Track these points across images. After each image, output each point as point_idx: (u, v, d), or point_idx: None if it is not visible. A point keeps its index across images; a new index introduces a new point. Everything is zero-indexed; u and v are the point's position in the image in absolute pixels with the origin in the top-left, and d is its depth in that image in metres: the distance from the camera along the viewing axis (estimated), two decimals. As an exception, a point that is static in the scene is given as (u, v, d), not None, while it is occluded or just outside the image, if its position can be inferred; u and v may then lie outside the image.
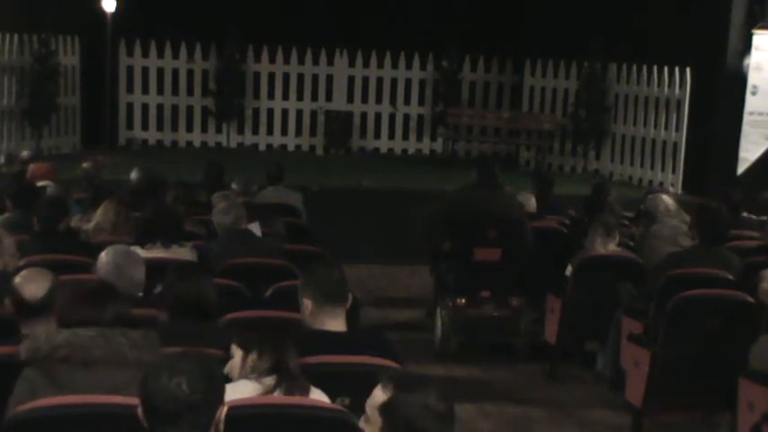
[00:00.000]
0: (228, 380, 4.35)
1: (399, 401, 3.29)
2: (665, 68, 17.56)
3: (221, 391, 3.39)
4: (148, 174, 10.46)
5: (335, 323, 4.95)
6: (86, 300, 4.19)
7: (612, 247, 8.48)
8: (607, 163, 18.96)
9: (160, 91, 20.13)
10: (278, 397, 4.20)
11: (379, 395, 3.35)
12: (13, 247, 6.49)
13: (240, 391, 4.19)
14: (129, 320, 4.22)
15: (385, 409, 3.30)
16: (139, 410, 3.35)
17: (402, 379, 3.40)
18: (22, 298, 4.85)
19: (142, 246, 6.95)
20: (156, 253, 6.91)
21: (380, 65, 20.43)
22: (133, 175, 10.45)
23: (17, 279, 4.99)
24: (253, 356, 4.36)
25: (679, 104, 17.44)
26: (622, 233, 9.32)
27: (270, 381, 4.27)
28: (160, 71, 20.07)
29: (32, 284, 4.89)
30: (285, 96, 20.43)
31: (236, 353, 4.42)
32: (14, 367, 4.07)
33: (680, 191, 16.73)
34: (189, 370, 3.28)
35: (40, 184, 10.32)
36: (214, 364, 3.44)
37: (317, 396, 4.34)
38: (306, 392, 4.29)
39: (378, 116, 20.63)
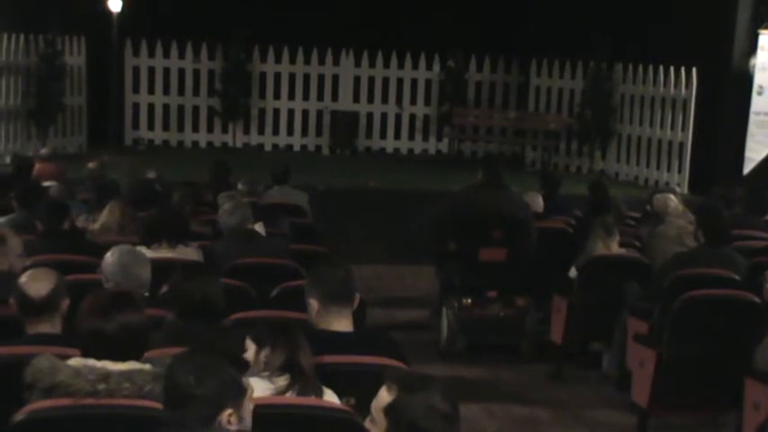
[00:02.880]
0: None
1: (404, 402, 3.29)
2: (671, 68, 17.53)
3: (229, 394, 3.41)
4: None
5: (341, 323, 4.94)
6: (94, 311, 4.20)
7: (615, 247, 8.48)
8: (613, 163, 18.94)
9: (166, 91, 20.13)
10: (283, 397, 4.20)
11: (383, 396, 3.36)
12: (20, 247, 6.49)
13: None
14: (137, 327, 4.18)
15: (389, 409, 3.31)
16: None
17: (406, 379, 3.40)
18: (26, 296, 4.87)
19: (148, 246, 6.96)
20: (162, 253, 6.92)
21: (386, 65, 20.42)
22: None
23: (22, 278, 5.01)
24: (266, 352, 4.36)
25: (685, 104, 17.42)
26: (627, 233, 9.32)
27: (282, 381, 4.26)
28: (166, 71, 20.08)
29: (37, 283, 4.90)
30: (291, 96, 20.42)
31: (250, 347, 4.43)
32: (15, 367, 4.08)
33: (686, 191, 16.70)
34: (204, 366, 3.36)
35: (45, 184, 10.35)
36: (233, 370, 3.47)
37: (329, 397, 4.34)
38: (320, 393, 4.29)
39: (384, 116, 20.62)
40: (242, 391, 3.46)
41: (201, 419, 3.35)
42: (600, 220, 8.70)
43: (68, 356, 4.11)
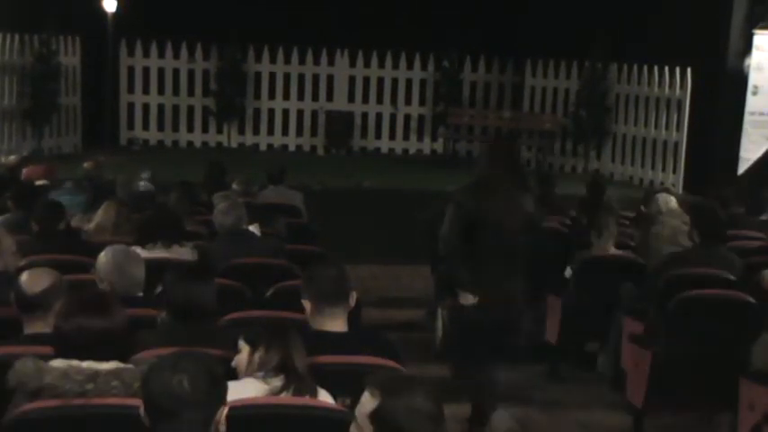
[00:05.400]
0: (234, 376, 4.35)
1: (388, 406, 3.28)
2: (666, 68, 17.56)
3: (223, 392, 3.40)
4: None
5: (335, 324, 4.93)
6: (59, 312, 4.23)
7: (612, 249, 8.48)
8: (608, 163, 18.95)
9: (161, 91, 20.13)
10: (278, 397, 4.20)
11: (367, 402, 3.35)
12: (14, 246, 6.49)
13: (248, 390, 4.19)
14: (99, 331, 4.16)
15: (375, 415, 3.31)
16: (141, 408, 3.36)
17: (388, 383, 3.39)
18: (21, 291, 4.91)
19: (143, 245, 6.95)
20: (157, 253, 6.92)
21: (381, 65, 20.42)
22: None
23: (23, 275, 5.04)
24: (260, 353, 4.35)
25: (680, 104, 17.44)
26: (620, 233, 9.31)
27: (277, 382, 4.26)
28: (161, 71, 20.07)
29: (32, 280, 4.93)
30: (286, 96, 20.42)
31: (243, 349, 4.41)
32: (7, 367, 4.07)
33: (680, 191, 16.72)
34: (191, 369, 3.30)
35: (38, 183, 10.35)
36: (216, 365, 3.45)
37: (323, 397, 4.34)
38: (314, 394, 4.29)
39: (379, 116, 20.62)
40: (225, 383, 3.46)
41: (198, 425, 3.31)
42: (601, 220, 8.70)
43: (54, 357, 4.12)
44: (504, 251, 6.87)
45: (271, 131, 20.48)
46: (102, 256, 5.83)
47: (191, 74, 20.11)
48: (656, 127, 17.98)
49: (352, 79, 20.49)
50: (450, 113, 19.95)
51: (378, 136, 20.66)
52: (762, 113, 15.95)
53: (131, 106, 20.13)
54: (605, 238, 8.48)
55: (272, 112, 20.43)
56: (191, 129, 20.30)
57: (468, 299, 6.94)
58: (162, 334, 4.91)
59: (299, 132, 20.48)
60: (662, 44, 16.90)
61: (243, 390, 4.16)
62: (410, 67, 20.49)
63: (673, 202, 9.71)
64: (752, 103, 16.02)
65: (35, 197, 8.74)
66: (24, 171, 11.09)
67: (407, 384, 3.36)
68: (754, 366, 6.36)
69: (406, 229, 11.01)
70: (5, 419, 3.93)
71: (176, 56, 20.04)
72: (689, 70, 17.10)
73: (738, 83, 16.13)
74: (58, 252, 6.96)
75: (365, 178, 16.92)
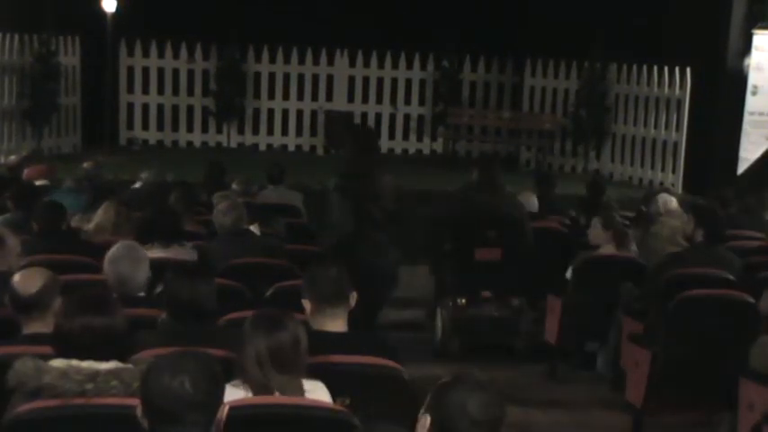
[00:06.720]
0: (233, 377, 4.35)
1: (441, 398, 3.28)
2: (666, 68, 17.55)
3: (223, 392, 3.40)
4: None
5: (335, 324, 4.94)
6: (60, 312, 4.22)
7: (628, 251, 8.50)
8: (607, 163, 18.94)
9: (161, 91, 20.10)
10: (278, 397, 4.20)
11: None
12: (18, 247, 6.49)
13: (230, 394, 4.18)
14: (103, 329, 4.16)
15: (428, 403, 3.31)
16: (139, 410, 3.34)
17: (458, 378, 3.38)
18: (16, 293, 4.91)
19: (142, 245, 6.95)
20: (157, 253, 6.92)
21: (381, 65, 20.39)
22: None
23: (15, 276, 5.03)
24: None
25: (679, 104, 17.43)
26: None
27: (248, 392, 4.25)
28: (161, 71, 20.05)
29: (27, 281, 4.92)
30: (285, 96, 20.40)
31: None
32: (6, 367, 4.07)
33: (680, 191, 16.71)
34: (192, 369, 3.27)
35: (38, 183, 10.35)
36: (216, 364, 3.44)
37: (319, 390, 4.32)
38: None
39: (378, 116, 20.58)
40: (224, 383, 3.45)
41: (200, 426, 3.29)
42: (606, 219, 8.71)
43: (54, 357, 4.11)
44: (377, 217, 7.81)
45: (270, 131, 20.46)
46: (107, 255, 5.85)
47: (190, 74, 20.08)
48: (655, 127, 17.96)
49: (351, 79, 20.45)
50: (450, 113, 19.92)
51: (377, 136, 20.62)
52: (761, 113, 15.94)
53: (131, 106, 20.10)
54: (623, 244, 8.52)
55: (271, 112, 20.40)
56: (190, 129, 20.27)
57: None
58: (162, 334, 4.91)
59: (299, 132, 20.46)
60: (662, 44, 16.89)
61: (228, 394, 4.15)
62: (410, 66, 20.46)
63: (672, 202, 9.72)
64: (751, 103, 16.01)
65: (35, 197, 8.74)
66: (25, 171, 11.09)
67: (475, 386, 3.35)
68: (753, 366, 6.36)
69: (407, 229, 10.98)
70: (5, 419, 3.93)
71: (176, 56, 20.01)
72: (688, 70, 17.09)
73: (738, 83, 16.12)
74: (58, 252, 6.96)
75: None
